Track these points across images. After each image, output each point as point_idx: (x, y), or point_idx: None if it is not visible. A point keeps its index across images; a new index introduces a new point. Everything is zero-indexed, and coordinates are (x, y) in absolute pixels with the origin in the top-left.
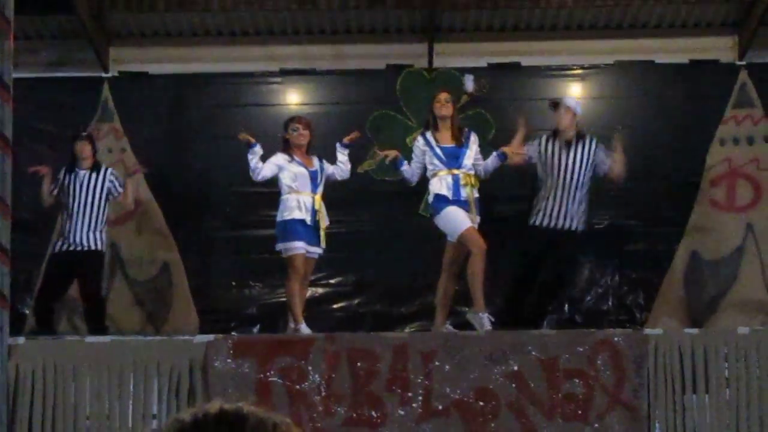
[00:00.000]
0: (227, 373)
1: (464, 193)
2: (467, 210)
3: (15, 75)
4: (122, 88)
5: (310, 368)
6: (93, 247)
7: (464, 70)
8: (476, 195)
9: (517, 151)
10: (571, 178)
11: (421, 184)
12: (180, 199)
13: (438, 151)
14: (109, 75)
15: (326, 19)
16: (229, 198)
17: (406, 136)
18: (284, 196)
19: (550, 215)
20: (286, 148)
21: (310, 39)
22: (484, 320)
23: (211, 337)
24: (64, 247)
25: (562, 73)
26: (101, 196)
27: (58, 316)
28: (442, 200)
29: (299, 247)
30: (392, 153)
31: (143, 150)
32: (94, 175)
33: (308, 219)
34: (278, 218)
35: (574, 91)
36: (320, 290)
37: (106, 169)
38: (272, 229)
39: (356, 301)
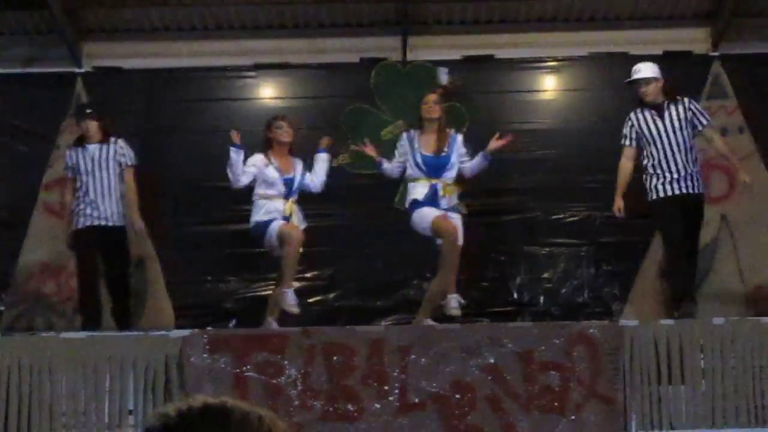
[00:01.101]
0: (203, 368)
1: (443, 202)
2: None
3: None
4: (96, 84)
5: (286, 363)
6: (116, 222)
7: (438, 63)
8: (455, 201)
9: (496, 143)
10: (674, 140)
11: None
12: (155, 194)
13: (419, 159)
14: (83, 71)
15: (300, 13)
16: (204, 193)
17: (381, 129)
18: (255, 200)
19: (671, 183)
20: (267, 147)
21: (284, 33)
22: (451, 301)
23: (186, 332)
24: (87, 223)
25: (536, 66)
26: (114, 169)
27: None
28: (416, 204)
29: (275, 223)
30: (370, 151)
31: None
32: (105, 148)
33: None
34: (252, 220)
35: (548, 84)
36: (296, 284)
37: (116, 141)
38: (248, 223)
39: (332, 296)
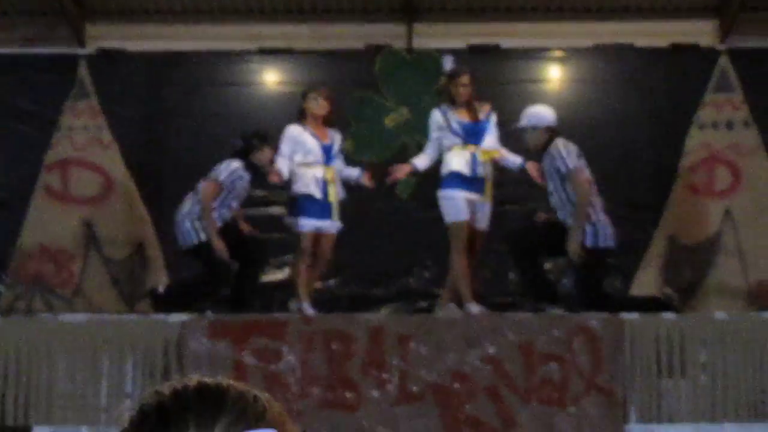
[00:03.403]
0: (202, 353)
1: (481, 170)
2: (482, 192)
3: None
4: (99, 66)
5: (285, 349)
6: None
7: (443, 52)
8: (492, 174)
9: (534, 170)
10: None
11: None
12: (156, 178)
13: (456, 125)
14: (86, 52)
15: None
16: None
17: (384, 116)
18: (295, 169)
19: None
20: (302, 117)
21: (289, 18)
22: (471, 309)
23: (186, 316)
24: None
25: (541, 56)
26: None
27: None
28: (455, 179)
29: (304, 224)
30: (402, 174)
31: (120, 128)
32: None
33: (318, 194)
34: (291, 192)
35: (554, 74)
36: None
37: None
38: (247, 208)
39: (332, 283)
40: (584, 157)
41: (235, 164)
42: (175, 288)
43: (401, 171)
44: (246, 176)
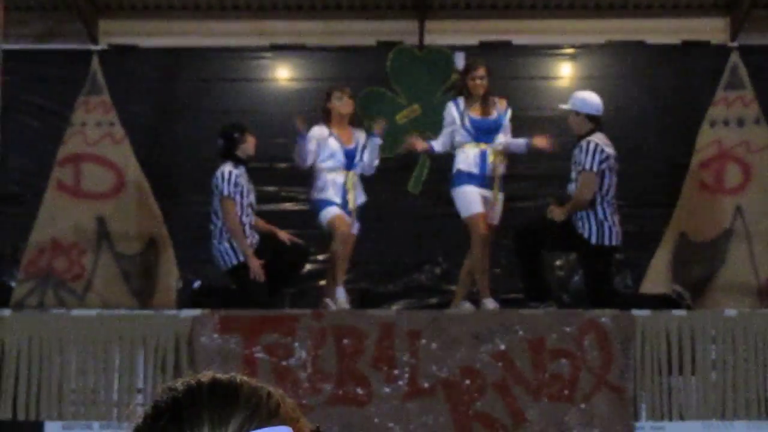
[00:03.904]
0: (213, 348)
1: (490, 169)
2: (490, 188)
3: (3, 47)
4: (112, 61)
5: (296, 345)
6: None
7: (455, 49)
8: (503, 171)
9: (541, 141)
10: None
11: (410, 162)
12: (168, 173)
13: (468, 122)
14: (99, 48)
15: None
16: None
17: (396, 113)
18: (317, 173)
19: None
20: (326, 119)
21: (301, 15)
22: (488, 305)
23: (197, 312)
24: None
25: (553, 53)
26: None
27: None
28: (464, 176)
29: (333, 210)
30: (420, 145)
31: (132, 123)
32: None
33: (338, 199)
34: (310, 196)
35: (565, 71)
36: (307, 267)
37: None
38: (259, 204)
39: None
40: (613, 162)
41: (227, 168)
42: (208, 290)
43: (419, 144)
44: (241, 172)
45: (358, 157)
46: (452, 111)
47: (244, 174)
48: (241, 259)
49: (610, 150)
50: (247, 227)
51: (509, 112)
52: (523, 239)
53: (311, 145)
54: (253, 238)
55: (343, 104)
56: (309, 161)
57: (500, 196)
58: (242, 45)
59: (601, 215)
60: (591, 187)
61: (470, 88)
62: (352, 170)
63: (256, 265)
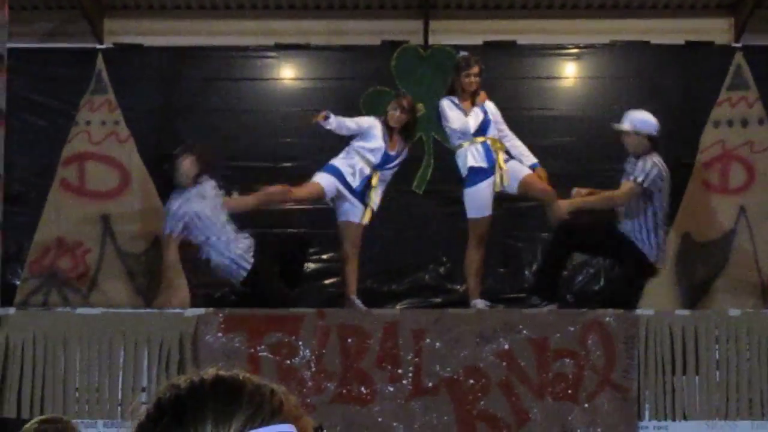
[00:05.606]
0: (217, 347)
1: (494, 158)
2: (496, 175)
3: (8, 45)
4: (116, 60)
5: (300, 344)
6: None
7: (460, 48)
8: (506, 159)
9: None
10: None
11: (415, 161)
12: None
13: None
14: (104, 47)
15: None
16: (222, 171)
17: None
18: (350, 148)
19: None
20: (385, 121)
21: (306, 14)
22: (478, 305)
23: (201, 310)
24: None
25: (557, 53)
26: None
27: None
28: (478, 173)
29: (343, 212)
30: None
31: (137, 122)
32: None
33: (355, 184)
34: (332, 161)
35: (569, 71)
36: (312, 266)
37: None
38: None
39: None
40: (662, 184)
41: (171, 203)
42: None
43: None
44: (190, 195)
45: (392, 164)
46: (453, 111)
47: (197, 194)
48: (248, 267)
49: (665, 173)
50: (223, 243)
51: (489, 105)
52: (563, 234)
53: (351, 124)
54: (238, 243)
55: (393, 115)
56: (335, 126)
57: (505, 166)
58: (247, 44)
59: (662, 236)
60: (628, 196)
61: (463, 85)
62: (379, 171)
63: (270, 189)
